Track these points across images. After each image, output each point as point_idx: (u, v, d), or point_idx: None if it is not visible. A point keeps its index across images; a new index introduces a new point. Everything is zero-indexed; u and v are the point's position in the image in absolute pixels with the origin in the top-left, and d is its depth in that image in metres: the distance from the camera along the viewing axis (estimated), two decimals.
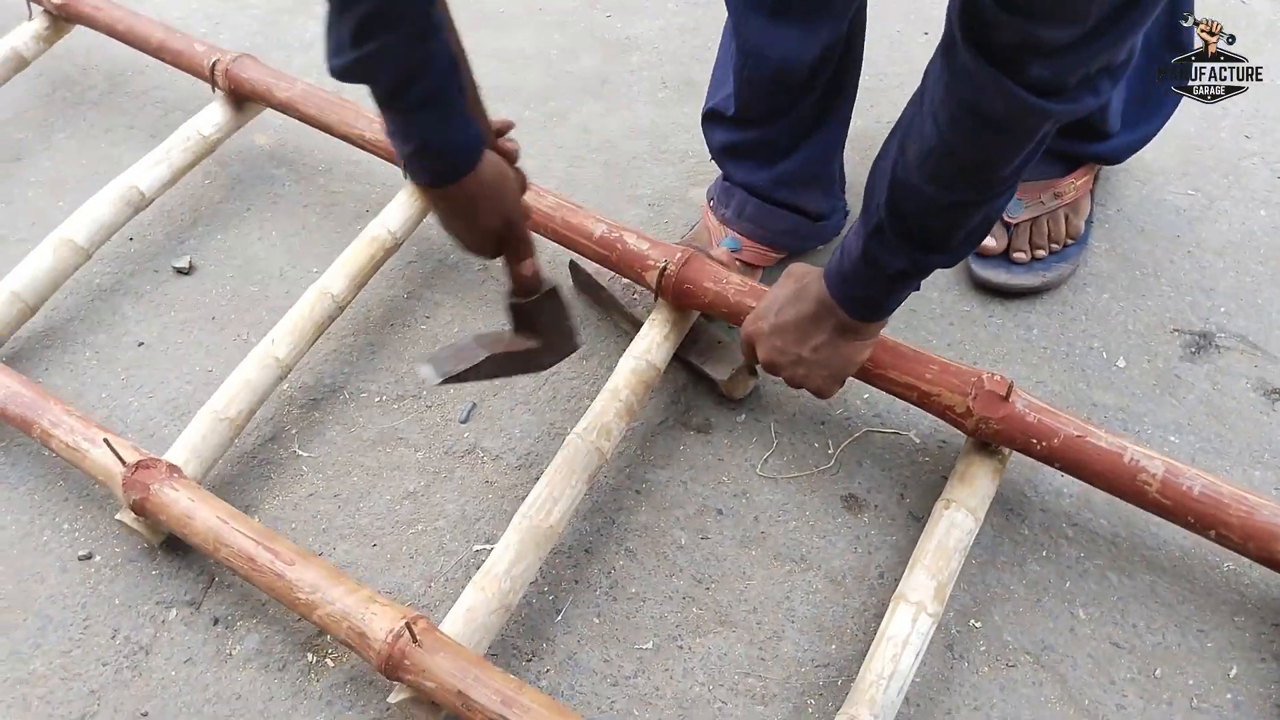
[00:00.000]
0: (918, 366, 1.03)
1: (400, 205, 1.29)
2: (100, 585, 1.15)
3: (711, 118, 1.29)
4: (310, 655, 1.09)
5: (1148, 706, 1.01)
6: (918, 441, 1.20)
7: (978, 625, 1.07)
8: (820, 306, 0.97)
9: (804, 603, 1.10)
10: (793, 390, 1.21)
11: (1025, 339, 1.29)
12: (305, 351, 1.20)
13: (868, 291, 0.93)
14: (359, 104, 1.39)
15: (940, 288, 1.34)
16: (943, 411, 1.02)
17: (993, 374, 1.00)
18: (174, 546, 1.16)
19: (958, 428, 1.03)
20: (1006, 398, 0.97)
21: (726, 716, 1.03)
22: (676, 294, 1.13)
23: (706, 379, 1.22)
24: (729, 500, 1.18)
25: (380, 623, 0.94)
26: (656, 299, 1.16)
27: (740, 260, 1.31)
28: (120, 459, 1.03)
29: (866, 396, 1.24)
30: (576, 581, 1.13)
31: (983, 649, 1.06)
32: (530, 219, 0.95)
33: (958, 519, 0.99)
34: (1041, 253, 1.30)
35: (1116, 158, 1.33)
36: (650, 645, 1.08)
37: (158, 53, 1.47)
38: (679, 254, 1.13)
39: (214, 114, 1.41)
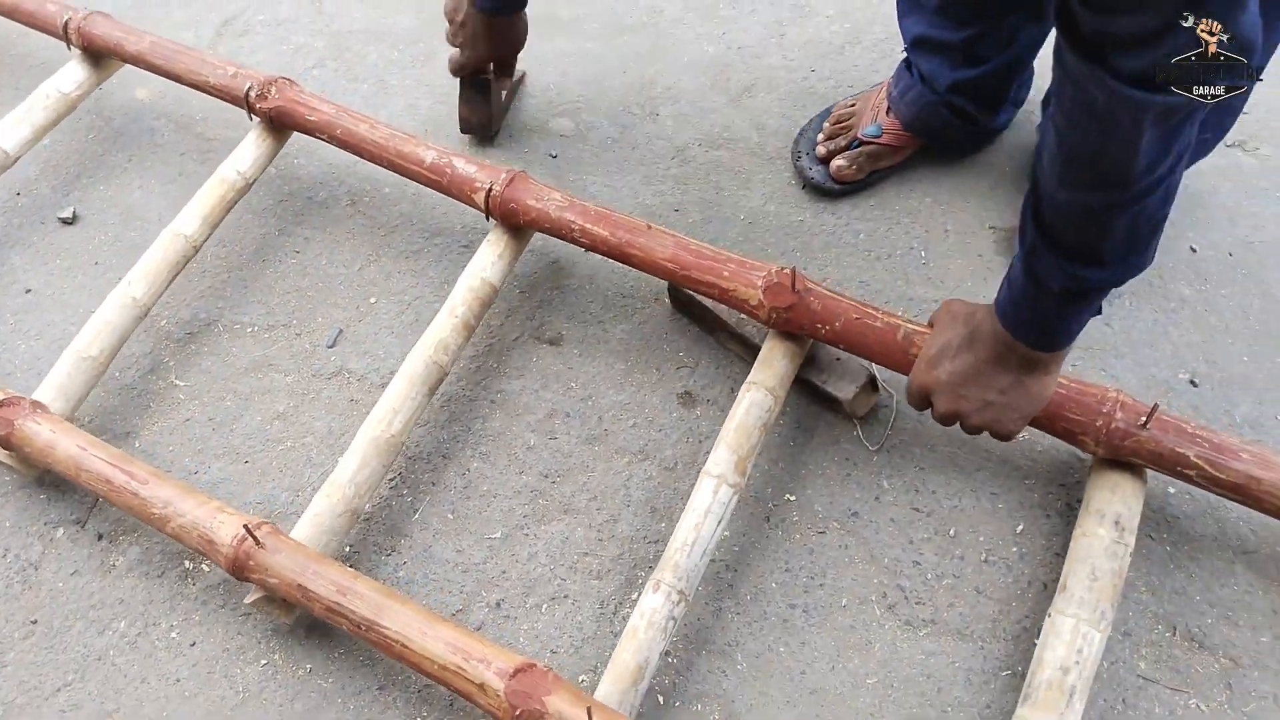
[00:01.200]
0: (716, 265, 1.11)
1: (250, 146, 1.35)
2: None
3: (911, 4, 1.29)
4: (187, 562, 1.19)
5: (942, 561, 1.12)
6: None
7: (792, 499, 1.17)
8: (998, 345, 0.95)
9: (639, 489, 1.20)
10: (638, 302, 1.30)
11: (853, 244, 1.38)
12: (163, 291, 1.27)
13: (1039, 317, 0.90)
14: (204, 52, 1.45)
15: (775, 201, 1.42)
16: (740, 305, 1.11)
17: (781, 267, 1.09)
18: (56, 476, 1.24)
19: (754, 319, 1.12)
20: (793, 288, 1.06)
21: (566, 591, 1.13)
22: (503, 213, 1.21)
23: (829, 398, 1.19)
24: (576, 404, 1.27)
25: (226, 530, 1.03)
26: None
27: (880, 143, 1.34)
28: None
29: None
30: (434, 484, 1.22)
31: (795, 519, 1.16)
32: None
33: (757, 399, 1.08)
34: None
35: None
36: (499, 534, 1.18)
37: (11, 14, 1.52)
38: (503, 174, 1.21)
39: (73, 72, 1.47)
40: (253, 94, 1.33)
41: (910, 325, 1.06)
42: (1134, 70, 0.69)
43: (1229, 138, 1.37)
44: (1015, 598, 1.09)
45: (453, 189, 1.23)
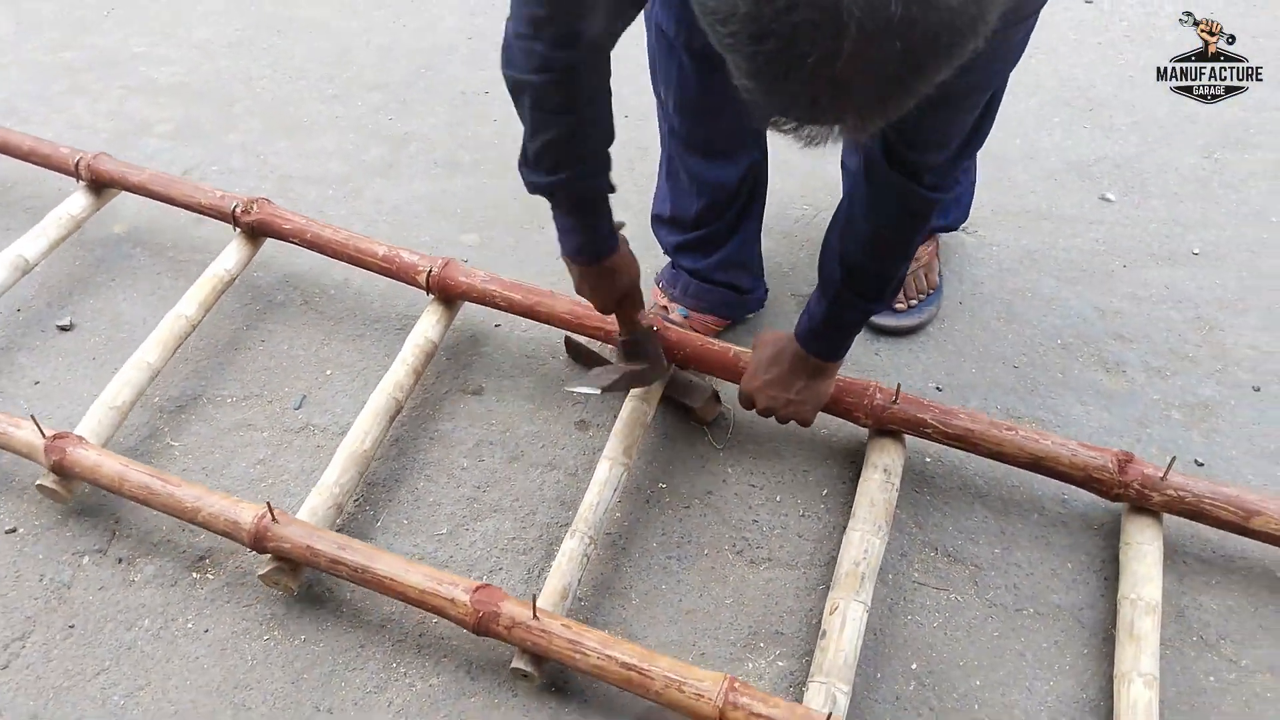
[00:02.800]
0: (591, 315, 1.57)
1: (232, 251, 1.74)
2: (25, 548, 1.53)
3: (660, 222, 1.71)
4: (195, 574, 1.50)
5: (773, 519, 1.54)
6: None
7: (664, 486, 1.59)
8: (796, 360, 1.40)
9: (551, 490, 1.59)
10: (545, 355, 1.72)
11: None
12: (169, 358, 1.63)
13: (832, 341, 1.37)
14: (193, 181, 1.86)
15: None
16: (607, 338, 1.56)
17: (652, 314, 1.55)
18: (82, 511, 1.55)
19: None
20: (655, 329, 1.52)
21: (500, 567, 1.50)
22: (440, 288, 1.64)
23: (685, 407, 1.62)
24: (498, 435, 1.67)
25: (247, 514, 1.38)
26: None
27: (692, 327, 1.70)
28: (42, 433, 1.44)
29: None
30: (390, 500, 1.59)
31: (667, 500, 1.57)
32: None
33: (637, 405, 1.52)
34: (914, 302, 1.77)
35: (950, 227, 1.85)
36: (445, 530, 1.55)
37: (27, 156, 1.90)
38: (440, 261, 1.64)
39: (78, 199, 1.85)
40: (238, 210, 1.74)
41: (739, 349, 1.52)
42: (933, 183, 1.14)
43: (963, 224, 1.91)
44: (824, 538, 1.52)
45: (401, 274, 1.66)
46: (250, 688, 1.37)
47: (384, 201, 2.09)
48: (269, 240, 1.84)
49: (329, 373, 1.76)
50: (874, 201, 1.19)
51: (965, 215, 1.83)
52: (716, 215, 1.63)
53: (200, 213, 1.83)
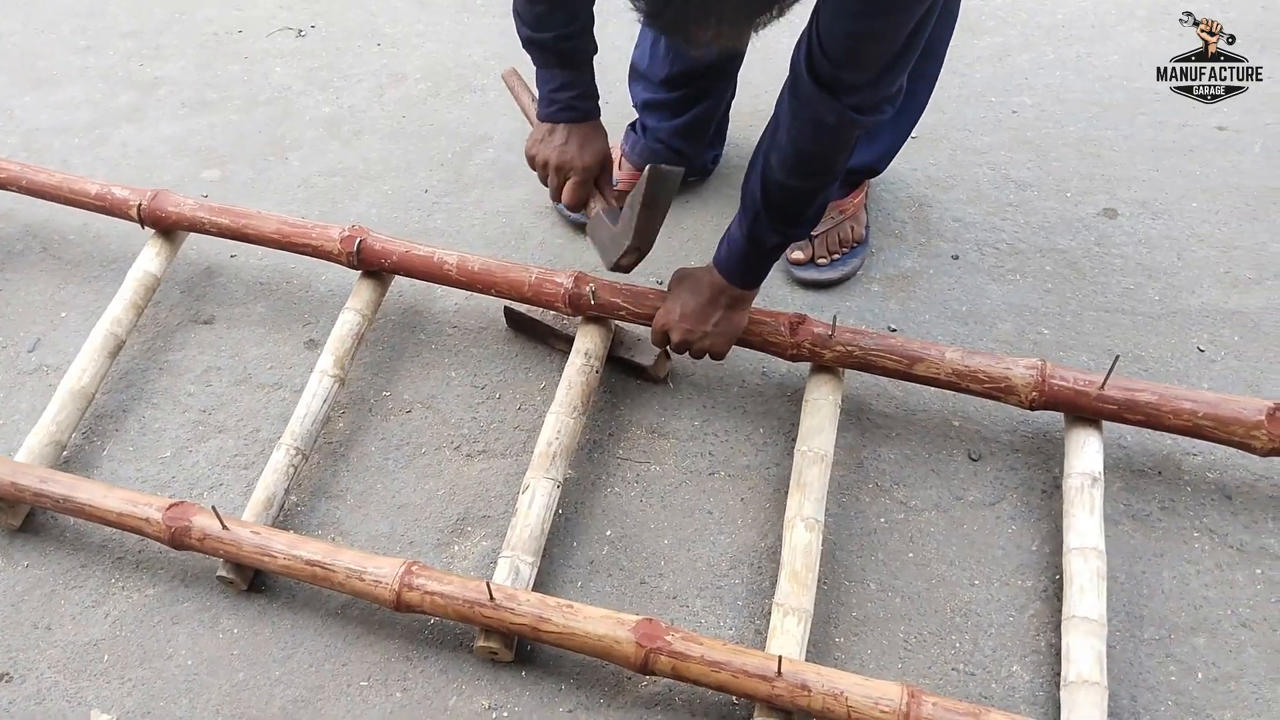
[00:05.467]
0: (303, 229, 1.60)
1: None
2: None
3: (635, 75, 1.73)
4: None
5: (492, 415, 1.61)
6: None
7: (387, 394, 1.64)
8: (713, 290, 1.38)
9: (276, 408, 1.62)
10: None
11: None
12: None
13: (750, 266, 1.35)
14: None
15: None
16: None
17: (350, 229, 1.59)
18: None
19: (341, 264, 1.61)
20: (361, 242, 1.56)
21: (221, 483, 1.54)
22: (153, 220, 1.66)
23: (636, 366, 1.59)
24: (226, 361, 1.70)
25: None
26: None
27: (620, 189, 1.76)
28: None
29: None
30: (117, 430, 1.61)
31: (390, 406, 1.62)
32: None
33: (350, 318, 1.56)
34: (836, 256, 1.73)
35: (876, 169, 1.73)
36: (169, 454, 1.58)
37: None
38: (149, 193, 1.66)
39: None
40: None
41: (444, 253, 1.57)
42: (856, 103, 1.14)
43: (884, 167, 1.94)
44: (538, 427, 1.58)
45: (114, 210, 1.67)
46: None
47: (130, 146, 2.09)
48: (5, 194, 1.83)
49: (64, 315, 1.78)
50: (796, 115, 1.18)
51: (885, 160, 1.73)
52: (686, 81, 1.65)
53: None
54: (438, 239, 1.86)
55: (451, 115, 2.11)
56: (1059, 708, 1.21)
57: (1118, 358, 1.37)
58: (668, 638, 1.21)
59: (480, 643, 1.30)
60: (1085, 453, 1.36)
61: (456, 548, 1.46)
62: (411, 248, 1.59)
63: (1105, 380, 1.34)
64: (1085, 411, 1.37)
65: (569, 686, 1.32)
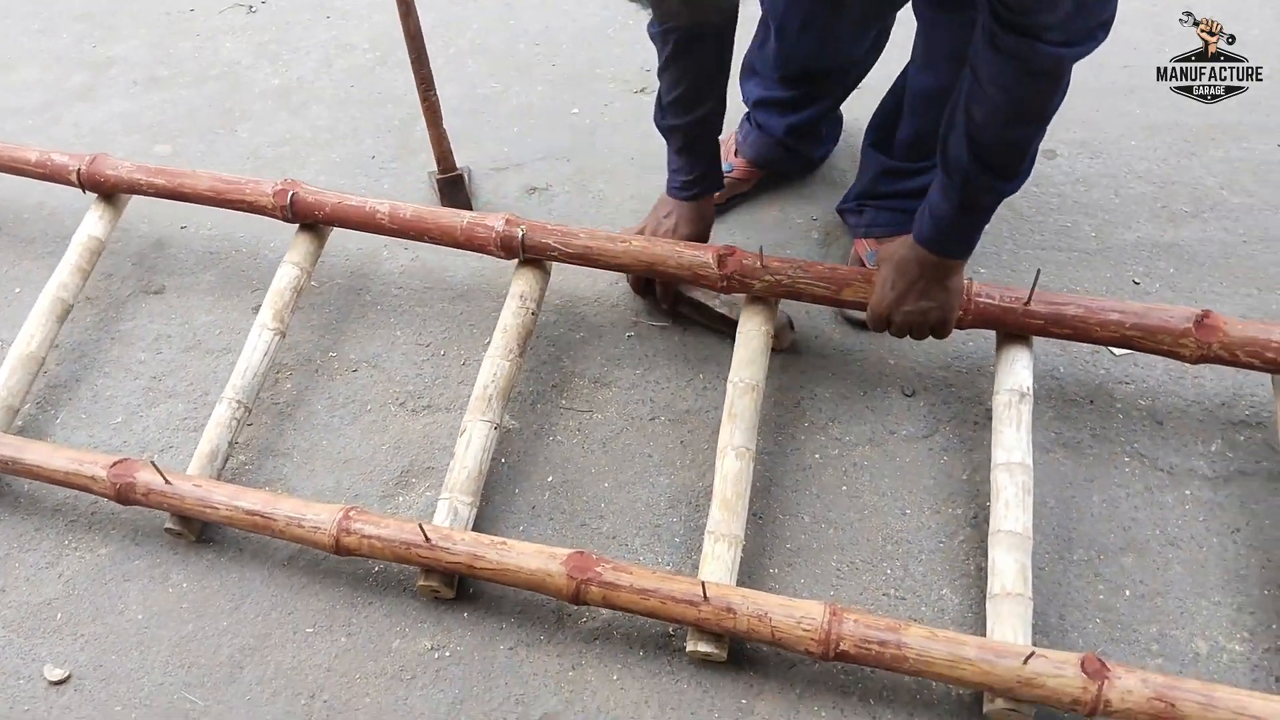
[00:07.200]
0: (237, 186, 1.62)
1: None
2: None
3: (749, 74, 1.75)
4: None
5: (436, 371, 1.63)
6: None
7: (334, 354, 1.66)
8: (923, 267, 1.30)
9: (225, 372, 1.65)
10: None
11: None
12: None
13: (963, 234, 1.26)
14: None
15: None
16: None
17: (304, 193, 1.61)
18: None
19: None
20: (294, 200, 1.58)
21: (172, 445, 1.56)
22: (92, 184, 1.69)
23: (727, 320, 1.57)
24: (177, 328, 1.72)
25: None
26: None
27: (733, 176, 1.77)
28: None
29: None
30: (70, 399, 1.64)
31: (336, 366, 1.65)
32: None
33: (288, 270, 1.58)
34: None
35: None
36: (120, 419, 1.61)
37: None
38: (87, 157, 1.68)
39: None
40: None
41: (378, 206, 1.59)
42: (1058, 39, 1.04)
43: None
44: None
45: (55, 176, 1.70)
46: None
47: (82, 124, 2.11)
48: None
49: (18, 291, 1.80)
50: (1003, 69, 1.10)
51: None
52: (802, 80, 1.66)
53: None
54: None
55: (399, 83, 2.13)
56: (986, 624, 1.24)
57: (1039, 271, 1.39)
58: (598, 569, 1.24)
59: (421, 581, 1.33)
60: (1014, 369, 1.38)
61: (401, 499, 1.49)
62: (344, 198, 1.61)
63: (1030, 295, 1.36)
64: (1013, 327, 1.39)
65: (509, 625, 1.35)
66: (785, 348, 1.59)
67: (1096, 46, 1.08)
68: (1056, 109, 1.15)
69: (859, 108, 1.81)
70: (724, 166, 1.72)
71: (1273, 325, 1.34)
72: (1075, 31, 1.05)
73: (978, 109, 1.14)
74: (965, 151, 1.18)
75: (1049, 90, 1.12)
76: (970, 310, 1.38)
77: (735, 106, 1.85)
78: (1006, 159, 1.19)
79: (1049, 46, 1.05)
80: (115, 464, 1.39)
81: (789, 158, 1.80)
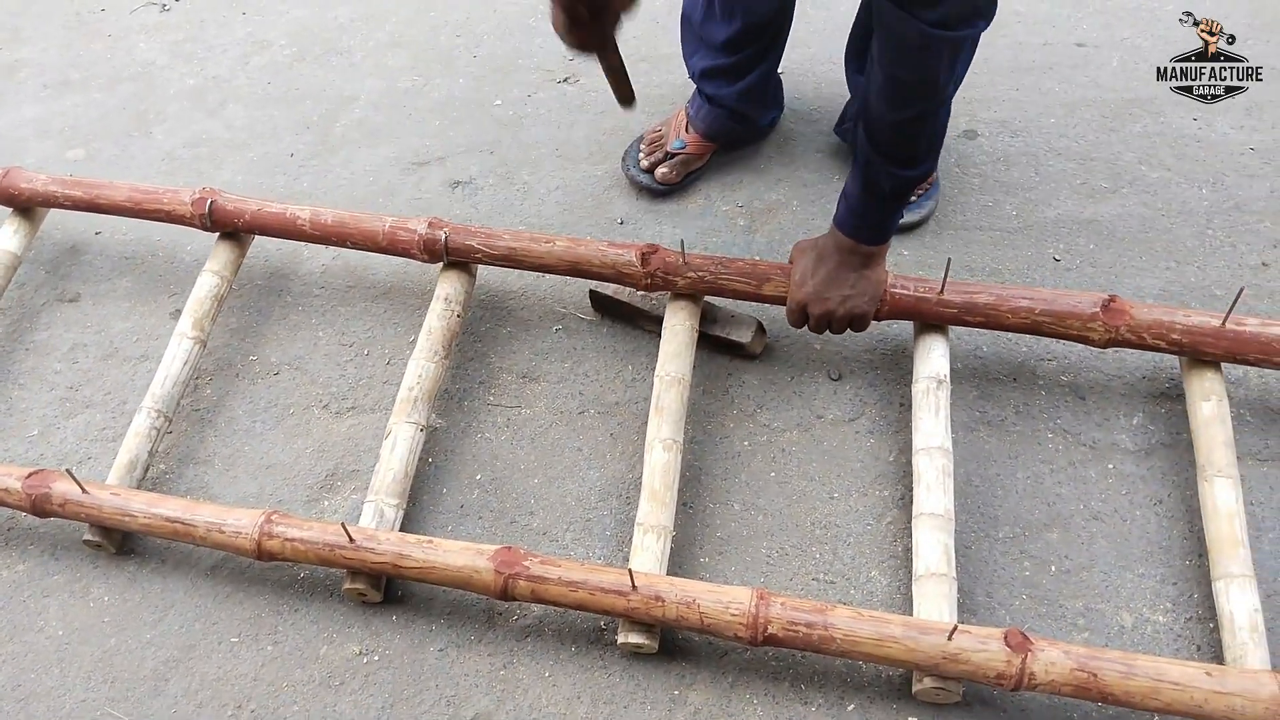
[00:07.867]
0: (155, 195, 1.58)
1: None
2: None
3: (693, 46, 1.70)
4: None
5: (359, 372, 1.60)
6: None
7: (254, 359, 1.63)
8: (842, 254, 1.29)
9: (143, 380, 1.61)
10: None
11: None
12: None
13: (872, 219, 1.25)
14: None
15: None
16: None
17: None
18: None
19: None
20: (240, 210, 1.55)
21: (90, 456, 1.53)
22: (6, 197, 1.65)
23: (732, 344, 1.52)
24: (93, 336, 1.68)
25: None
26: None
27: (686, 152, 1.74)
28: None
29: None
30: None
31: (257, 369, 1.62)
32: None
33: (209, 279, 1.55)
34: (911, 198, 1.52)
35: None
36: (36, 432, 1.56)
37: None
38: (1, 171, 1.64)
39: None
40: None
41: (297, 209, 1.56)
42: (935, 19, 1.04)
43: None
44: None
45: None
46: None
47: None
48: None
49: None
50: (884, 43, 1.10)
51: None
52: (746, 41, 1.61)
53: None
54: (305, 202, 1.84)
55: (317, 78, 2.09)
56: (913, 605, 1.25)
57: (950, 260, 1.40)
58: (525, 563, 1.23)
59: (348, 585, 1.31)
60: (931, 358, 1.39)
61: (326, 503, 1.46)
62: (264, 205, 1.58)
63: (943, 284, 1.37)
64: (928, 317, 1.40)
65: (439, 626, 1.33)
66: (758, 354, 1.57)
67: (976, 34, 1.09)
68: (941, 97, 1.15)
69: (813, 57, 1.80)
70: (676, 143, 1.76)
71: (1176, 309, 1.37)
72: (954, 12, 1.05)
73: (870, 88, 1.16)
74: (864, 133, 1.20)
75: (925, 70, 1.10)
76: (886, 302, 1.39)
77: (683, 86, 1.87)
78: (898, 142, 1.18)
79: (922, 25, 1.05)
80: (30, 475, 1.35)
81: (741, 128, 1.79)
